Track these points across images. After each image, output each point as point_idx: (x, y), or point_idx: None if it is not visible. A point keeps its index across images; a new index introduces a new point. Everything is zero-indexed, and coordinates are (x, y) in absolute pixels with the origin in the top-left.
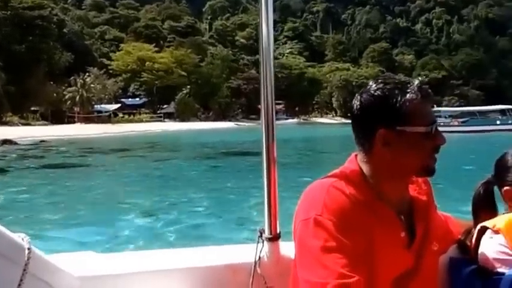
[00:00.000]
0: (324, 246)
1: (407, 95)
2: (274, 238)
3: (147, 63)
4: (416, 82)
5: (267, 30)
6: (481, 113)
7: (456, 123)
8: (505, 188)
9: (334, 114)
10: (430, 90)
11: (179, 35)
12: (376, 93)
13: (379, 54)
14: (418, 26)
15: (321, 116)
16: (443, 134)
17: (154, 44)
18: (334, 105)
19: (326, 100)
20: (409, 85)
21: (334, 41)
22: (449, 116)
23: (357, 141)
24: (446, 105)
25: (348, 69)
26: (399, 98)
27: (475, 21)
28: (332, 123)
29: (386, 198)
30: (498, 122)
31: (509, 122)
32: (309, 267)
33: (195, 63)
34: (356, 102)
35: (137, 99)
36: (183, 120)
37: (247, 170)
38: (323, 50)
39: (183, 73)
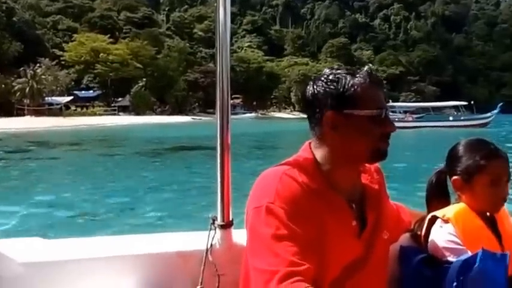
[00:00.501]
0: (275, 234)
1: (356, 79)
2: (227, 225)
3: (102, 54)
4: (365, 68)
5: (224, 22)
6: (434, 108)
7: (410, 119)
8: (454, 177)
9: (293, 109)
10: (379, 77)
11: (135, 27)
12: (326, 78)
13: (338, 49)
14: (377, 22)
15: (279, 111)
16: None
17: (109, 35)
18: (292, 100)
19: (284, 95)
20: (357, 71)
21: (294, 36)
22: (404, 112)
23: (310, 127)
24: (404, 101)
25: (307, 64)
26: (348, 82)
27: (432, 18)
28: (290, 118)
29: (338, 186)
30: (451, 118)
31: (462, 118)
32: (259, 255)
33: (151, 56)
34: (308, 88)
35: (91, 91)
36: (138, 113)
37: (195, 165)
38: (282, 44)
39: (139, 65)
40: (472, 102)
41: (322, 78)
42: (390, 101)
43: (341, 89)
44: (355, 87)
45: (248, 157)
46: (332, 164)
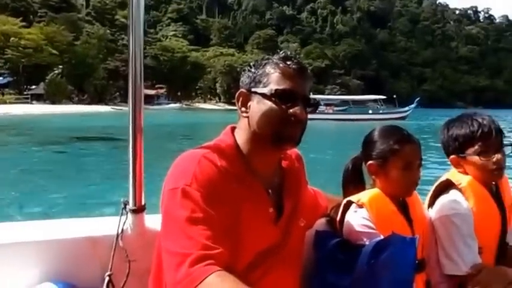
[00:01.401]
0: (190, 216)
1: (270, 60)
2: (139, 210)
3: (12, 39)
4: (282, 52)
5: (137, 7)
6: (355, 102)
7: (331, 111)
8: (369, 162)
9: (218, 100)
10: (297, 63)
11: (52, 10)
12: (253, 63)
13: (265, 41)
14: (304, 15)
15: (205, 102)
16: (320, 121)
17: (21, 18)
18: (218, 90)
19: (210, 86)
20: (277, 55)
21: (220, 26)
22: (324, 104)
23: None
24: (329, 94)
25: (233, 55)
26: (262, 63)
27: (358, 13)
28: (215, 109)
29: (258, 172)
30: (371, 111)
31: (381, 111)
32: (173, 238)
33: (68, 42)
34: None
35: (0, 78)
36: (53, 102)
37: (101, 157)
38: (208, 34)
39: (55, 52)
40: (395, 96)
41: (251, 63)
42: (311, 93)
43: (253, 69)
44: (267, 67)
45: (167, 148)
46: (249, 147)
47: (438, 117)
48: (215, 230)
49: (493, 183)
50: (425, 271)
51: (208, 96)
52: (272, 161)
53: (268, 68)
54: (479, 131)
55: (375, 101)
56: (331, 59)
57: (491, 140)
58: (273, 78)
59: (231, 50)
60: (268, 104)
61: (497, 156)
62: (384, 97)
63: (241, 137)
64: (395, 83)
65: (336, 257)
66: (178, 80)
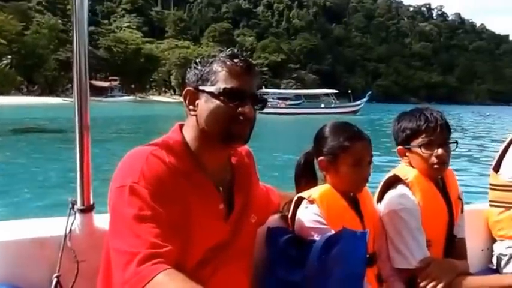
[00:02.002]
0: (138, 214)
1: (216, 58)
2: (87, 209)
3: None
4: (229, 49)
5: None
6: (307, 96)
7: (283, 105)
8: (320, 158)
9: (173, 93)
10: (245, 61)
11: None
12: (200, 60)
13: (221, 34)
14: (260, 9)
15: (159, 94)
16: (272, 116)
17: None
18: (172, 83)
19: (164, 78)
20: (224, 52)
21: (175, 18)
22: (277, 98)
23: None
24: (285, 88)
25: (188, 48)
26: (209, 61)
27: (314, 8)
28: (170, 102)
29: (207, 169)
30: (323, 106)
31: (333, 105)
32: (120, 236)
33: (17, 31)
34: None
35: None
36: (1, 93)
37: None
38: (163, 27)
39: (3, 41)
40: (350, 91)
41: (198, 60)
42: (263, 87)
43: (201, 67)
44: (214, 65)
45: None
46: (198, 145)
47: (390, 112)
48: (164, 227)
49: (439, 177)
50: (376, 265)
51: (163, 88)
52: (221, 157)
53: (215, 66)
54: (425, 124)
55: (327, 95)
56: (287, 53)
57: (435, 134)
58: (220, 77)
59: (187, 43)
60: (216, 102)
61: (440, 150)
62: (336, 91)
63: (190, 134)
64: (350, 78)
65: (287, 253)
66: (132, 72)
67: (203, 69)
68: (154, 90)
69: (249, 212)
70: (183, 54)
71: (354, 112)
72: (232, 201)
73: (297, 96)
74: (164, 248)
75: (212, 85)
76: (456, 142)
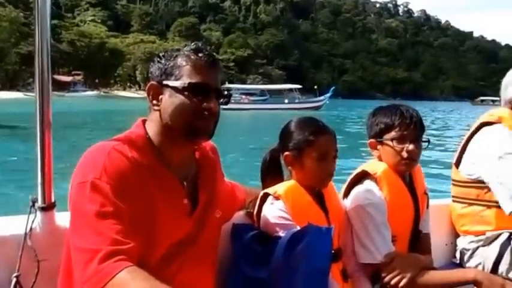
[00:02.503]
0: (100, 211)
1: (181, 52)
2: (49, 207)
3: None
4: (193, 43)
5: None
6: (271, 91)
7: (246, 101)
8: (285, 153)
9: (138, 88)
10: (209, 55)
11: None
12: (163, 53)
13: (187, 28)
14: (227, 4)
15: (124, 90)
16: (234, 111)
17: None
18: (138, 78)
19: (129, 73)
20: (184, 47)
21: (141, 12)
22: (240, 94)
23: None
24: (251, 83)
25: (154, 42)
26: (173, 54)
27: (281, 3)
28: (135, 97)
29: (171, 164)
30: (286, 101)
31: (296, 101)
32: (81, 233)
33: None
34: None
35: None
36: None
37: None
38: (129, 21)
39: None
40: (316, 86)
41: (161, 53)
42: (226, 82)
43: (165, 61)
44: (178, 59)
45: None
46: (161, 140)
47: (354, 108)
48: (126, 224)
49: (407, 172)
50: (341, 260)
51: (128, 84)
52: (185, 152)
53: (180, 60)
54: (400, 119)
55: (292, 90)
56: (254, 48)
57: (409, 129)
58: (184, 71)
59: (152, 37)
60: (180, 97)
61: (411, 146)
62: (300, 86)
63: (153, 129)
64: (316, 73)
65: (252, 250)
66: (96, 66)
67: (167, 64)
68: (119, 85)
69: (214, 208)
70: (149, 49)
71: (317, 108)
72: (197, 196)
73: (261, 92)
74: (126, 244)
75: (176, 80)
76: (428, 141)
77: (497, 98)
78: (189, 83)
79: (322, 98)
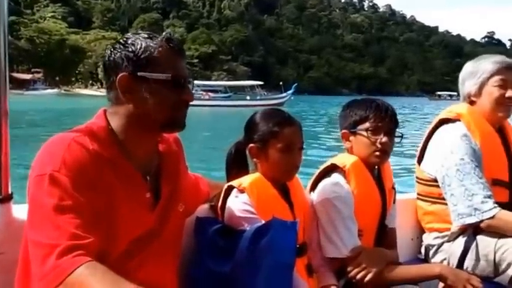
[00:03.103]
0: (58, 204)
1: (153, 42)
2: (5, 199)
3: None
4: (165, 33)
5: None
6: (232, 88)
7: (207, 97)
8: (250, 145)
9: (100, 86)
10: (180, 44)
11: None
12: (125, 42)
13: (150, 24)
14: None
15: (86, 87)
16: (193, 108)
17: None
18: (99, 76)
19: (91, 70)
20: (155, 35)
21: (103, 8)
22: (201, 90)
23: (107, 93)
24: (216, 80)
25: (116, 39)
26: (144, 44)
27: None
28: (97, 95)
29: (133, 156)
30: (248, 98)
31: (258, 97)
32: (39, 228)
33: None
34: (107, 52)
35: None
36: None
37: None
38: (90, 17)
39: None
40: (281, 83)
41: (121, 41)
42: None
43: (136, 52)
44: (151, 49)
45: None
46: (127, 132)
47: (317, 103)
48: (85, 218)
49: (376, 167)
50: (306, 255)
51: (90, 81)
52: (150, 145)
53: (153, 51)
54: (375, 111)
55: (254, 86)
56: (218, 44)
57: (383, 122)
58: (161, 62)
59: (114, 34)
60: (162, 90)
61: (385, 138)
62: (262, 83)
63: (119, 121)
64: (282, 69)
65: (216, 243)
66: (57, 64)
67: (138, 53)
68: (80, 83)
69: (177, 201)
70: (110, 45)
71: (280, 104)
72: (160, 190)
73: (223, 88)
74: (86, 239)
75: (154, 71)
76: (401, 135)
77: (454, 93)
78: (172, 76)
79: (284, 94)
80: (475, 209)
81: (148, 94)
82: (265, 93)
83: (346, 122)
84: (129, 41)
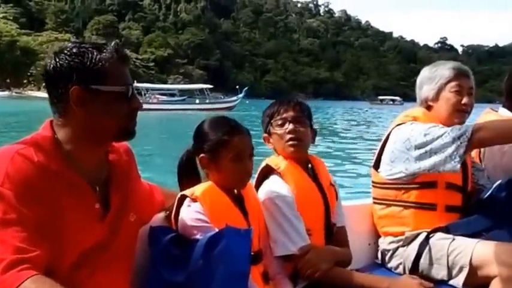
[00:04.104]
0: (2, 218)
1: (103, 54)
2: None
3: None
4: (113, 43)
5: None
6: (182, 91)
7: (156, 101)
8: (201, 155)
9: None
10: (126, 52)
11: None
12: (70, 51)
13: (105, 27)
14: (146, 2)
15: (38, 90)
16: (140, 112)
17: None
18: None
19: (43, 72)
20: (105, 45)
21: (56, 9)
22: (150, 94)
23: (52, 104)
24: (172, 83)
25: (69, 40)
26: (95, 56)
27: (202, 2)
28: None
29: (81, 167)
30: (197, 101)
31: (207, 101)
32: None
33: None
34: (50, 61)
35: None
36: None
37: None
38: (43, 18)
39: None
40: (237, 87)
41: (66, 51)
42: (135, 81)
43: (88, 64)
44: (103, 62)
45: None
46: (75, 143)
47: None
48: (31, 231)
49: (309, 165)
50: (262, 263)
51: (43, 83)
52: (99, 155)
53: (105, 63)
54: (278, 105)
55: (201, 90)
56: (174, 48)
57: (287, 112)
58: (112, 73)
59: (67, 36)
60: (115, 102)
61: (291, 125)
62: (211, 86)
63: (67, 132)
64: (239, 73)
65: (170, 253)
66: (7, 66)
67: (89, 65)
68: (32, 85)
69: (128, 211)
70: (52, 54)
71: (230, 108)
72: (110, 200)
73: (171, 92)
74: (31, 252)
75: (106, 83)
76: (315, 131)
77: (396, 98)
78: (127, 87)
79: (234, 98)
80: (458, 138)
81: (102, 106)
82: (222, 96)
83: (263, 126)
84: (75, 51)
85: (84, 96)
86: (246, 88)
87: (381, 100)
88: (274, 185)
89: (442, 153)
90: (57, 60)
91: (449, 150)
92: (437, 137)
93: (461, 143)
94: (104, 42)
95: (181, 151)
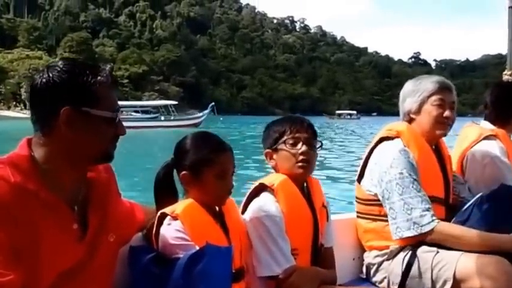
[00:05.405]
0: None
1: (99, 77)
2: None
3: None
4: (107, 67)
5: None
6: (145, 109)
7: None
8: (183, 172)
9: (24, 107)
10: (114, 77)
11: None
12: (65, 69)
13: (78, 44)
14: (122, 18)
15: (8, 109)
16: None
17: None
18: (23, 97)
19: (13, 91)
20: (100, 68)
21: (28, 26)
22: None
23: (35, 121)
24: (148, 100)
25: (41, 58)
26: (90, 79)
27: (178, 19)
28: (21, 117)
29: (59, 187)
30: (163, 118)
31: (172, 118)
32: None
33: None
34: (41, 75)
35: None
36: None
37: None
38: (15, 35)
39: None
40: (213, 103)
41: (58, 68)
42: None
43: (82, 85)
44: (97, 85)
45: None
46: (54, 163)
47: (237, 124)
48: (5, 254)
49: (305, 184)
50: (244, 280)
51: (13, 102)
52: (78, 176)
53: (97, 86)
54: (291, 123)
55: (166, 107)
56: (150, 64)
57: (300, 132)
58: (103, 97)
59: (39, 53)
60: (102, 125)
61: (304, 147)
62: (175, 102)
63: (46, 151)
64: (215, 90)
65: (151, 273)
66: None
67: (82, 87)
68: (2, 104)
69: (107, 231)
70: (34, 65)
71: (196, 125)
72: (88, 220)
73: (133, 109)
74: (6, 277)
75: (96, 107)
76: (321, 144)
77: (353, 112)
78: (115, 111)
79: (200, 114)
80: (414, 223)
81: (90, 129)
82: (195, 111)
83: (268, 141)
84: (70, 69)
85: (74, 118)
86: (212, 104)
87: (339, 115)
88: (263, 204)
89: (404, 214)
90: (50, 76)
91: (409, 219)
92: (405, 204)
93: (414, 229)
94: (98, 65)
95: (141, 171)
